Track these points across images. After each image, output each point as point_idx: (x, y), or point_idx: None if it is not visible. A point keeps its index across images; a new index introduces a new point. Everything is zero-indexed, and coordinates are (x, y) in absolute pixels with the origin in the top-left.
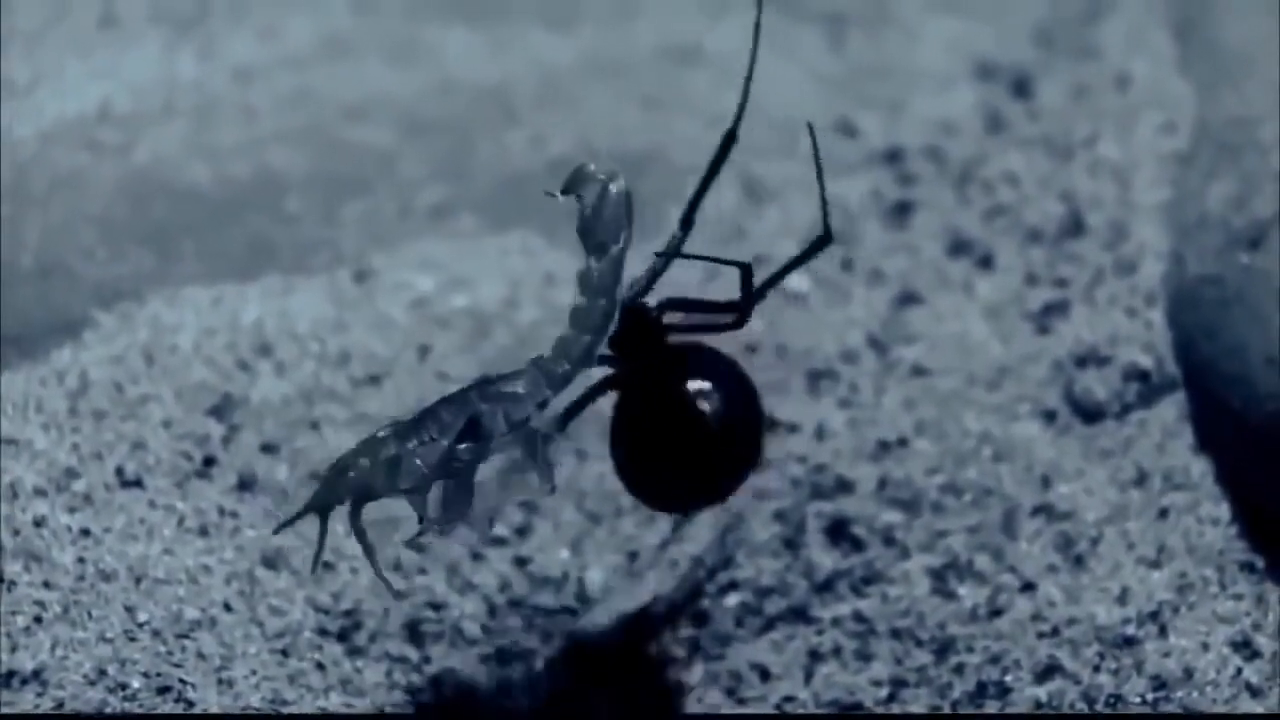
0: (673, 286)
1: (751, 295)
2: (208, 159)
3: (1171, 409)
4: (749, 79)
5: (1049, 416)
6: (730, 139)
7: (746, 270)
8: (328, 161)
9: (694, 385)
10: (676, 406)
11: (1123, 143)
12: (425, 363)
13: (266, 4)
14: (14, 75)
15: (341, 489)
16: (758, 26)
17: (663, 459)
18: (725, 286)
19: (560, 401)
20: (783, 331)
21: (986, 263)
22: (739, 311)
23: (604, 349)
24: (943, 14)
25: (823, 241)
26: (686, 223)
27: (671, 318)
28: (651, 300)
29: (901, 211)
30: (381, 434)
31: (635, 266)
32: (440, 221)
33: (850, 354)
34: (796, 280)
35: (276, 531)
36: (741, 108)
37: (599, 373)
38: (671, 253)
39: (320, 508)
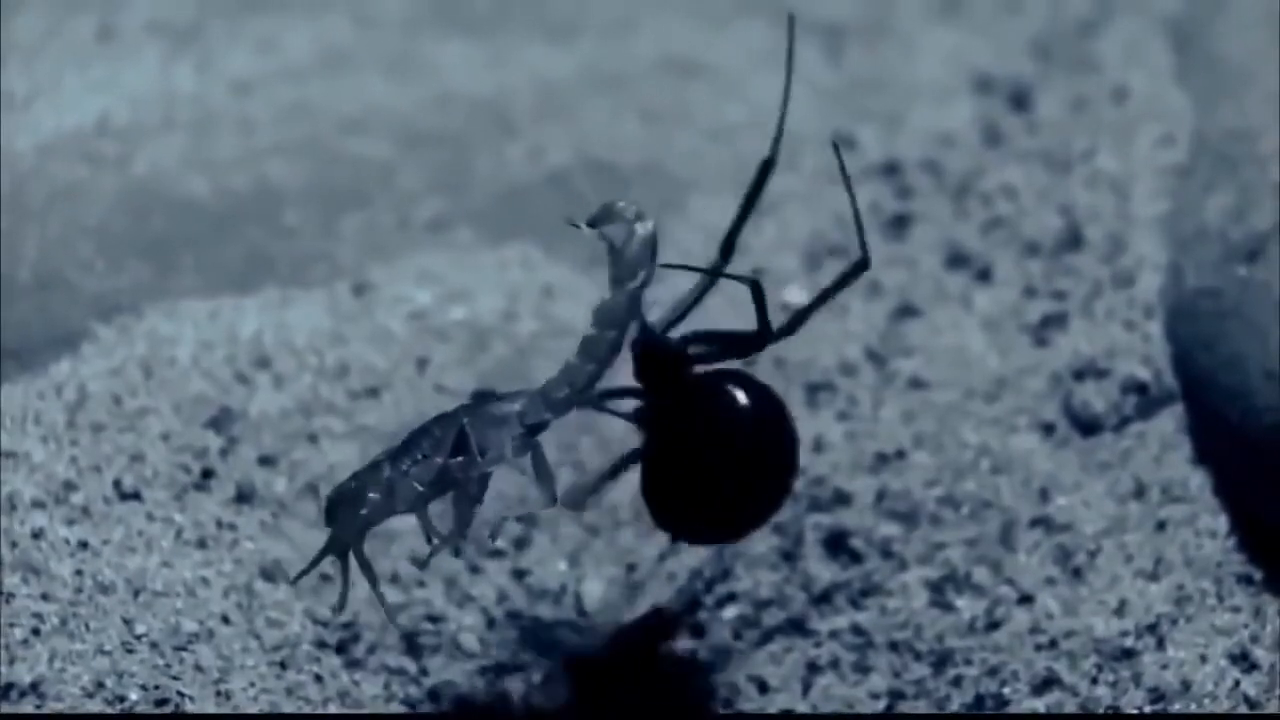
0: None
1: (766, 312)
2: (206, 171)
3: (1169, 421)
4: (785, 105)
5: (1047, 429)
6: (768, 166)
7: (756, 287)
8: (326, 174)
9: (724, 413)
10: (708, 436)
11: (1121, 155)
12: (424, 375)
13: (265, 17)
14: (12, 88)
15: (355, 523)
16: (790, 54)
17: (697, 493)
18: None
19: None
20: (781, 344)
21: (985, 275)
22: (760, 335)
23: (632, 384)
24: (941, 27)
25: (861, 266)
26: (727, 250)
27: (696, 350)
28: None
29: (899, 224)
30: (378, 459)
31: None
32: (438, 234)
33: (848, 366)
34: (795, 293)
35: (294, 581)
36: (779, 134)
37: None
38: (681, 265)
39: (340, 550)
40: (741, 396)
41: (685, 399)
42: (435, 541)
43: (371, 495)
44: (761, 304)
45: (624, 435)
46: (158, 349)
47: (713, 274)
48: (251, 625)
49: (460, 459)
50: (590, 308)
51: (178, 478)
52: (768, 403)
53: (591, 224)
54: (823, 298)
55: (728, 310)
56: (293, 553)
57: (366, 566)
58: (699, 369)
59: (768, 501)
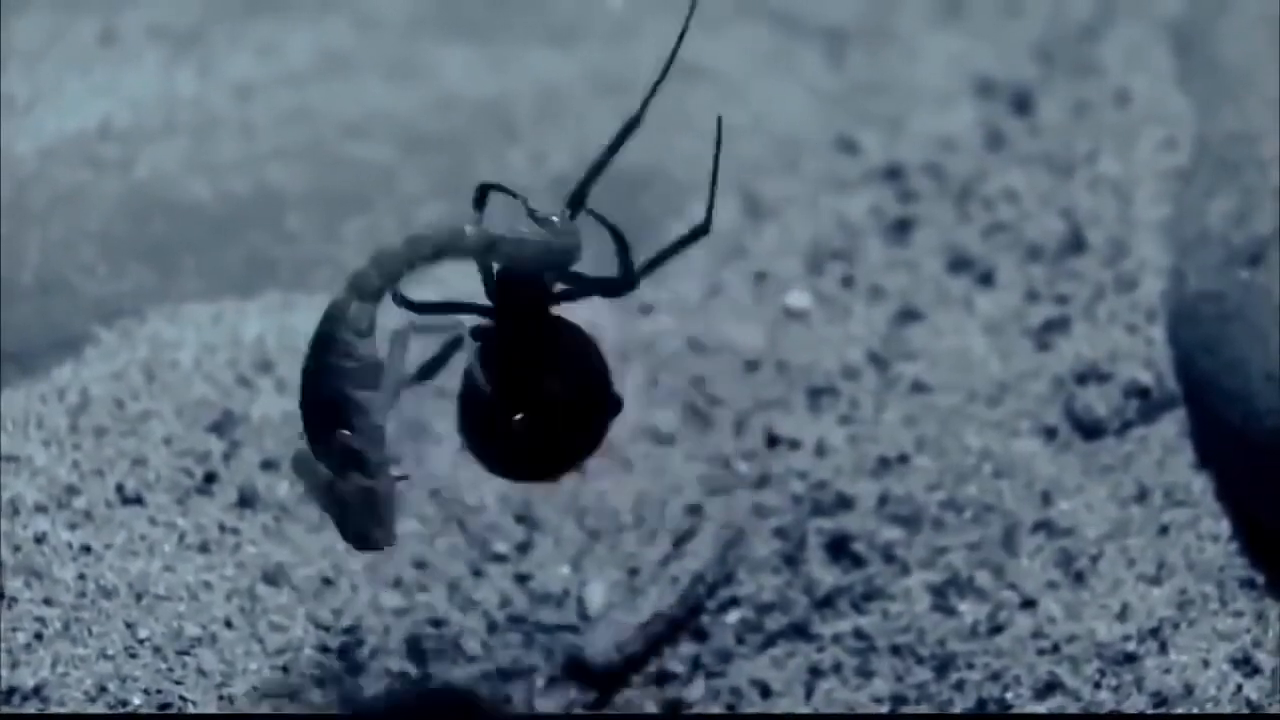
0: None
1: (630, 262)
2: (208, 176)
3: (1172, 425)
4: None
5: (1049, 433)
6: (634, 124)
7: (616, 233)
8: (328, 178)
9: (554, 360)
10: (532, 377)
11: (1123, 159)
12: (424, 381)
13: (266, 21)
14: (14, 91)
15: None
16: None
17: (499, 424)
18: None
19: None
20: (783, 348)
21: (987, 279)
22: (625, 282)
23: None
24: (942, 31)
25: (700, 231)
26: (576, 202)
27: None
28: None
29: (902, 228)
30: None
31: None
32: None
33: (851, 370)
34: (797, 297)
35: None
36: (651, 94)
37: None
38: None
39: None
40: (573, 347)
41: (538, 330)
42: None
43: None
44: (624, 251)
45: (626, 440)
46: (160, 353)
47: (593, 216)
48: (254, 629)
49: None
50: (588, 316)
51: (180, 482)
52: (588, 363)
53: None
54: (661, 258)
55: None
56: (295, 557)
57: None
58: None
59: (584, 445)
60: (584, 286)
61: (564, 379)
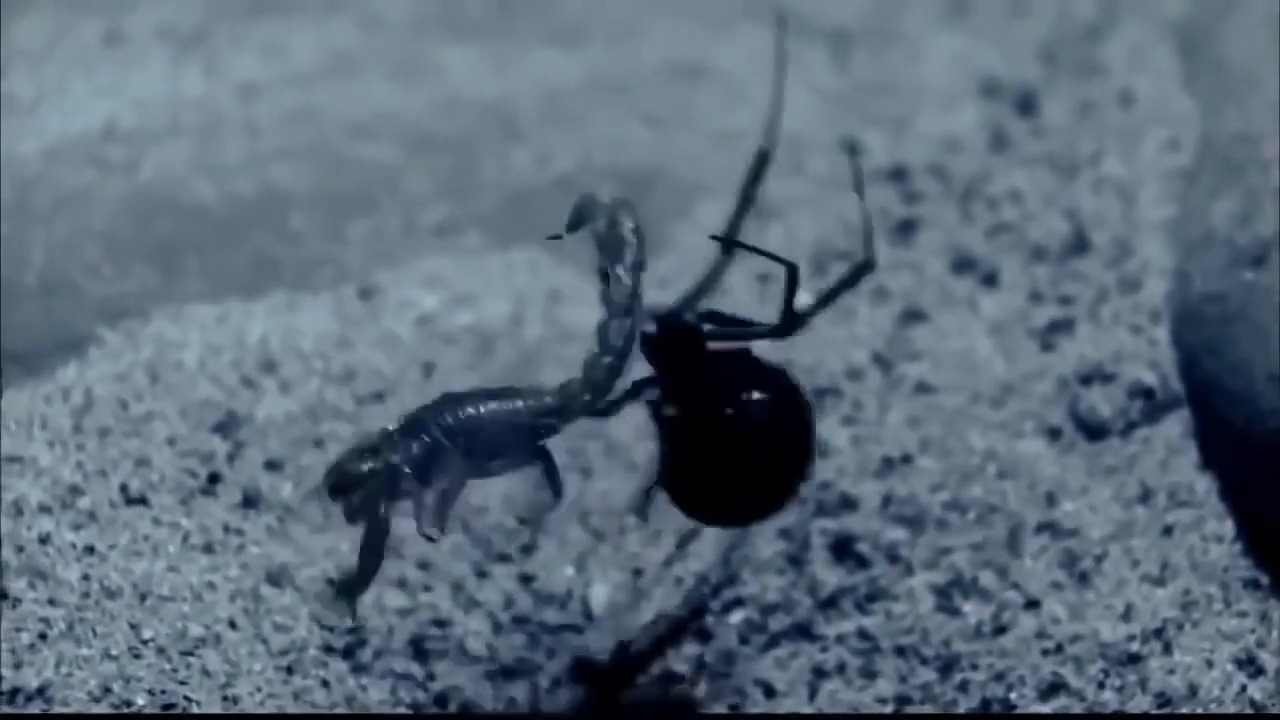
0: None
1: (793, 300)
2: (213, 176)
3: (1176, 426)
4: (779, 98)
5: (1053, 434)
6: (765, 157)
7: (793, 271)
8: (332, 179)
9: (739, 393)
10: (722, 416)
11: (1127, 160)
12: (430, 380)
13: (271, 21)
14: (18, 92)
15: (362, 505)
16: (781, 49)
17: (712, 473)
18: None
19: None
20: (787, 348)
21: (991, 280)
22: (784, 322)
23: (643, 365)
24: (947, 32)
25: (865, 266)
26: (729, 244)
27: (710, 330)
28: (690, 316)
29: (906, 229)
30: (381, 437)
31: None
32: (445, 238)
33: (855, 371)
34: (801, 297)
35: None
36: (774, 124)
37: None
38: (723, 239)
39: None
40: (760, 376)
41: (701, 377)
42: (430, 535)
43: (376, 476)
44: (792, 289)
45: (631, 440)
46: (164, 353)
47: (754, 251)
48: (258, 630)
49: (465, 455)
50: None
51: (184, 482)
52: (785, 383)
53: (571, 225)
54: (829, 297)
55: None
56: (299, 557)
57: (370, 544)
58: (713, 348)
59: (788, 480)
60: (739, 330)
61: (755, 405)
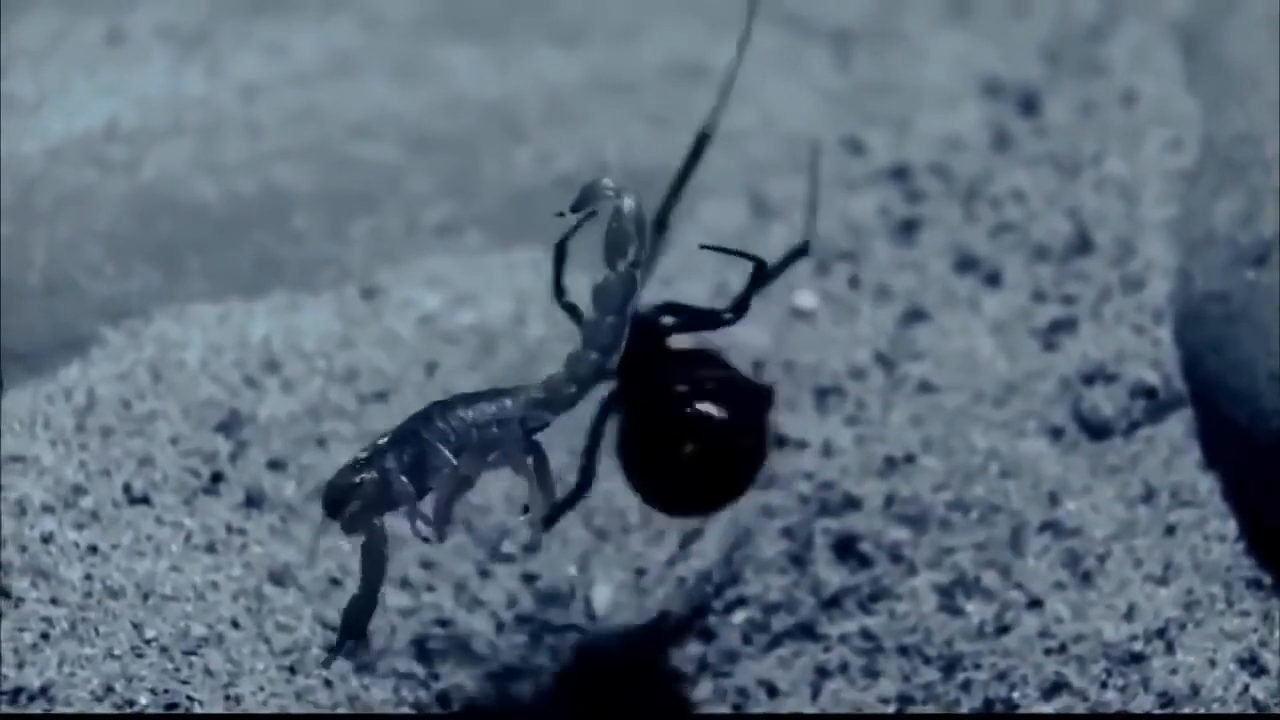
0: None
1: (749, 294)
2: (214, 176)
3: (1179, 425)
4: (731, 80)
5: (1056, 433)
6: (704, 139)
7: (760, 265)
8: (334, 178)
9: (696, 388)
10: (680, 410)
11: (1129, 160)
12: (432, 379)
13: (273, 20)
14: (20, 92)
15: (357, 518)
16: (747, 29)
17: (671, 464)
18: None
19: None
20: (790, 348)
21: (994, 280)
22: (735, 310)
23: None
24: (949, 31)
25: (801, 250)
26: (661, 225)
27: (667, 321)
28: (646, 308)
29: (908, 228)
30: (375, 448)
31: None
32: (447, 238)
33: (858, 371)
34: (804, 297)
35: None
36: (718, 108)
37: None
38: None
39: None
40: (715, 367)
41: (658, 368)
42: (426, 537)
43: (369, 487)
44: (754, 285)
45: None
46: (166, 353)
47: (723, 251)
48: (261, 629)
49: (458, 458)
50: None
51: (187, 482)
52: (739, 376)
53: (575, 207)
54: (766, 278)
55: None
56: (301, 557)
57: (371, 560)
58: (671, 342)
59: (742, 470)
60: (692, 320)
61: (712, 397)
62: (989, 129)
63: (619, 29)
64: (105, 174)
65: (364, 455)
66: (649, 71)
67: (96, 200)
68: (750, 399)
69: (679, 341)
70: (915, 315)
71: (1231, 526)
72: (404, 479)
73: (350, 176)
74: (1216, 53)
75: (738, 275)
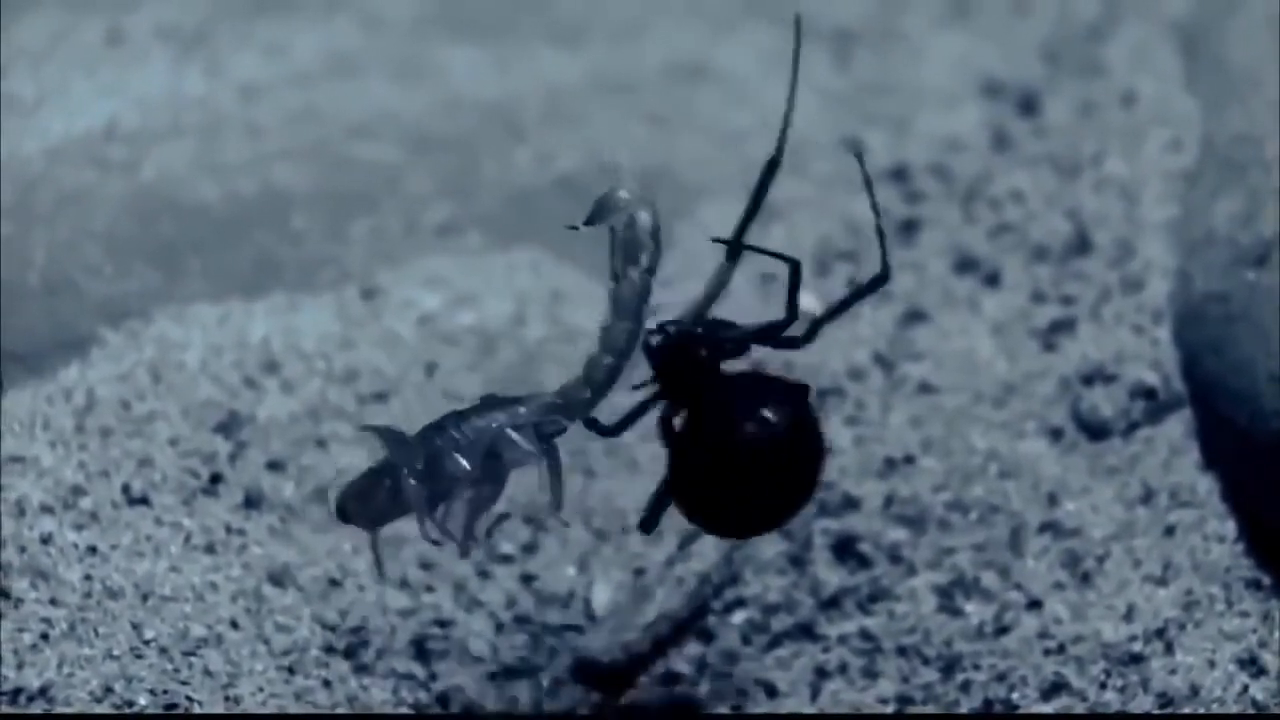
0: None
1: (797, 298)
2: (214, 176)
3: (1178, 426)
4: (791, 104)
5: (1055, 434)
6: (774, 165)
7: (795, 267)
8: (334, 179)
9: (747, 411)
10: (730, 434)
11: (1129, 160)
12: (432, 380)
13: (273, 21)
14: (20, 92)
15: (370, 521)
16: (796, 53)
17: (720, 487)
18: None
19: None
20: (789, 349)
21: (993, 280)
22: (788, 319)
23: (650, 381)
24: (949, 32)
25: (881, 279)
26: (734, 255)
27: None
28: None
29: (908, 229)
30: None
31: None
32: (447, 239)
33: (857, 371)
34: (804, 298)
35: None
36: (784, 132)
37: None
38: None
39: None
40: (773, 390)
41: (712, 389)
42: (434, 539)
43: (383, 494)
44: (795, 287)
45: (633, 441)
46: (166, 354)
47: (758, 250)
48: (260, 630)
49: (475, 465)
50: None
51: (186, 482)
52: (798, 400)
53: (590, 220)
54: (842, 306)
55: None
56: (301, 557)
57: (378, 563)
58: (726, 365)
59: (796, 496)
60: (747, 336)
61: (761, 424)
62: (989, 129)
63: (619, 29)
64: (105, 174)
65: (379, 461)
66: (649, 71)
67: (96, 200)
68: (796, 398)
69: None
70: (914, 316)
71: (1231, 527)
72: (418, 487)
73: (350, 177)
74: (1216, 53)
75: (739, 275)
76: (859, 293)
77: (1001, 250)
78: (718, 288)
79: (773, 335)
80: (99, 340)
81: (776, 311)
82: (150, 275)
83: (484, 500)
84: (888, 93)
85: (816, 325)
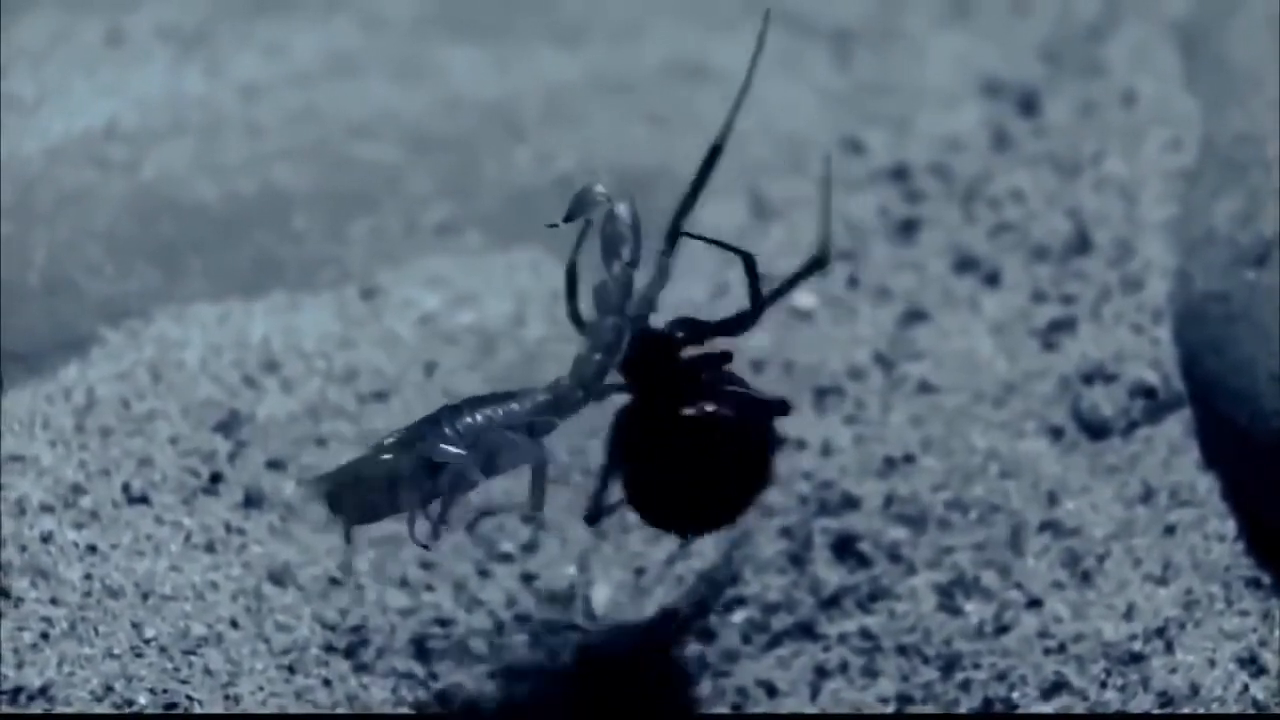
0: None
1: (759, 291)
2: (214, 176)
3: (1178, 425)
4: (743, 93)
5: (1055, 433)
6: (716, 151)
7: (749, 261)
8: (334, 179)
9: (705, 407)
10: (686, 428)
11: (1129, 160)
12: (432, 379)
13: (273, 21)
14: (20, 92)
15: (359, 513)
16: (760, 42)
17: (671, 482)
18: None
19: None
20: (790, 348)
21: (993, 280)
22: (748, 316)
23: (618, 376)
24: (949, 31)
25: (819, 262)
26: (673, 236)
27: (682, 335)
28: (660, 322)
29: (908, 228)
30: (379, 448)
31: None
32: (447, 238)
33: (857, 371)
34: (804, 297)
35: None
36: (729, 122)
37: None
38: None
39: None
40: (725, 385)
41: (669, 384)
42: (423, 544)
43: (373, 487)
44: (754, 280)
45: None
46: (166, 353)
47: (708, 241)
48: (260, 629)
49: (464, 460)
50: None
51: (186, 481)
52: (748, 396)
53: (569, 216)
54: (781, 290)
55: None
56: (301, 556)
57: (348, 563)
58: (686, 355)
59: (745, 492)
60: (711, 331)
61: (722, 421)
62: (989, 129)
63: (619, 29)
64: (105, 174)
65: (371, 454)
66: (649, 71)
67: (96, 200)
68: (756, 414)
69: (692, 353)
70: (914, 315)
71: (1230, 526)
72: (411, 481)
73: (350, 176)
74: (1216, 53)
75: (739, 275)
76: (798, 275)
77: (1001, 250)
78: (661, 278)
79: (738, 328)
80: (99, 340)
81: (775, 311)
82: (150, 275)
83: (463, 489)
84: (888, 92)
85: (758, 309)
